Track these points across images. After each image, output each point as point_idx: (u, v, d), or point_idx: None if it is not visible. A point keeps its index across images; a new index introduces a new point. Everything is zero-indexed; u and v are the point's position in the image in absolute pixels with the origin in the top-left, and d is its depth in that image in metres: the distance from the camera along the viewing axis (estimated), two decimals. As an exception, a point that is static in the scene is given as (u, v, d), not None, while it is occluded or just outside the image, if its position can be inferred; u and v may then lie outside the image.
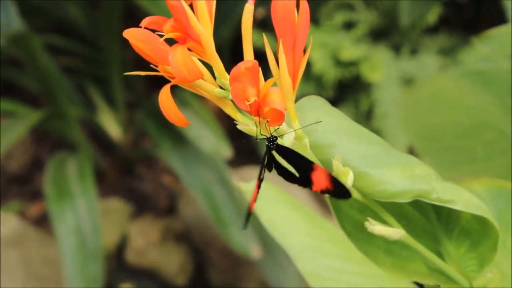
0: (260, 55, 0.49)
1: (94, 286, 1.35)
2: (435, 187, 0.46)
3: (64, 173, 1.50)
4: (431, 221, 0.51)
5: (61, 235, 1.38)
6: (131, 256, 1.64)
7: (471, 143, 0.94)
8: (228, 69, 0.43)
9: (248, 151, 1.73)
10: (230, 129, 1.64)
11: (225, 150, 1.43)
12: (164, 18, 0.43)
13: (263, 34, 0.51)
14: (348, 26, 1.77)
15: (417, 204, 0.50)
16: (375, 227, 0.48)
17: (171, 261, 1.63)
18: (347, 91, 1.75)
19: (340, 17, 1.74)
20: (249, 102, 0.41)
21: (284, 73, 0.44)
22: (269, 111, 0.41)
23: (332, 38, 1.70)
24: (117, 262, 1.66)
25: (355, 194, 0.46)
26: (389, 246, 0.52)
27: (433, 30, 1.80)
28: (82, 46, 1.80)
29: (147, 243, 1.64)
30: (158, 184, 1.81)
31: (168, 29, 0.42)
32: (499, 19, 1.19)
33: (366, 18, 1.76)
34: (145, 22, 0.43)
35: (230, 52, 1.79)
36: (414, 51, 1.77)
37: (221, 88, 0.44)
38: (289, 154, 0.44)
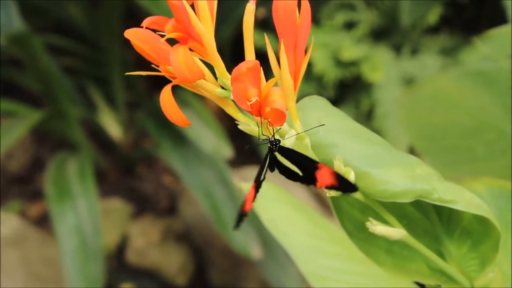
0: (261, 55, 0.49)
1: (94, 286, 1.35)
2: (436, 187, 0.46)
3: (64, 173, 1.50)
4: (432, 221, 0.51)
5: (61, 235, 1.38)
6: (132, 256, 1.64)
7: (471, 143, 0.94)
8: (229, 69, 0.43)
9: (248, 151, 1.73)
10: (230, 129, 1.64)
11: (226, 150, 1.43)
12: (166, 18, 0.43)
13: (265, 34, 0.51)
14: (349, 26, 1.77)
15: (418, 204, 0.50)
16: (376, 227, 0.48)
17: (172, 261, 1.63)
18: (348, 91, 1.75)
19: (340, 17, 1.74)
20: (251, 102, 0.40)
21: (286, 73, 0.44)
22: (270, 111, 0.41)
23: (332, 38, 1.70)
24: (118, 262, 1.66)
25: (356, 194, 0.46)
26: (390, 246, 0.52)
27: (433, 30, 1.80)
28: (82, 46, 1.80)
29: (148, 243, 1.64)
30: (158, 184, 1.81)
31: (170, 29, 0.42)
32: (500, 19, 1.19)
33: (367, 18, 1.76)
34: (146, 22, 0.43)
35: (231, 52, 1.79)
36: (414, 51, 1.77)
37: (223, 88, 0.44)
38: (291, 154, 0.44)
